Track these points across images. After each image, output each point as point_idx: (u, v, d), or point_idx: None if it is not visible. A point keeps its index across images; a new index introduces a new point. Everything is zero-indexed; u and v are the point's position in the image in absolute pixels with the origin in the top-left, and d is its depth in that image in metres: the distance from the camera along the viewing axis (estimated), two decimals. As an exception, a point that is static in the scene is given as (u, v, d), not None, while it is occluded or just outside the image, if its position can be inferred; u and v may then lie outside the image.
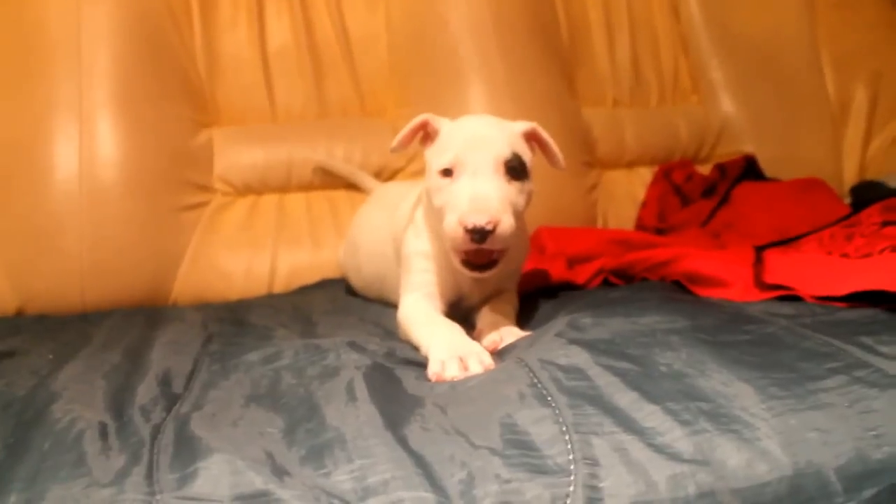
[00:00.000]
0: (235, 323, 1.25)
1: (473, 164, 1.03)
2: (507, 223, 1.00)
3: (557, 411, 0.70)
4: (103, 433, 0.73)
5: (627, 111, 2.03)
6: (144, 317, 1.32)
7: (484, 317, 1.14)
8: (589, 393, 0.74)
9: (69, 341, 1.16)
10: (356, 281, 1.48)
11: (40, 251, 1.51)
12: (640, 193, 1.95)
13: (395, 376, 0.88)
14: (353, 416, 0.72)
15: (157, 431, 0.74)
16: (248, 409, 0.79)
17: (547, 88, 1.85)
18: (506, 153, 1.05)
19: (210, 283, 1.60)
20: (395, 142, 1.16)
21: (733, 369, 0.77)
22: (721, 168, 1.90)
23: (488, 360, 0.90)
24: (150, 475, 0.64)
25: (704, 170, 1.98)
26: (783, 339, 0.87)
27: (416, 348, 1.03)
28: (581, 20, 2.04)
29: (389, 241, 1.29)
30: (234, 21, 1.79)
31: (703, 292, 1.18)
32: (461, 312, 1.19)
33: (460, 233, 0.99)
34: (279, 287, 1.62)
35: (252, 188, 1.72)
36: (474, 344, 0.96)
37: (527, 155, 1.11)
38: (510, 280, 1.23)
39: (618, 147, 1.98)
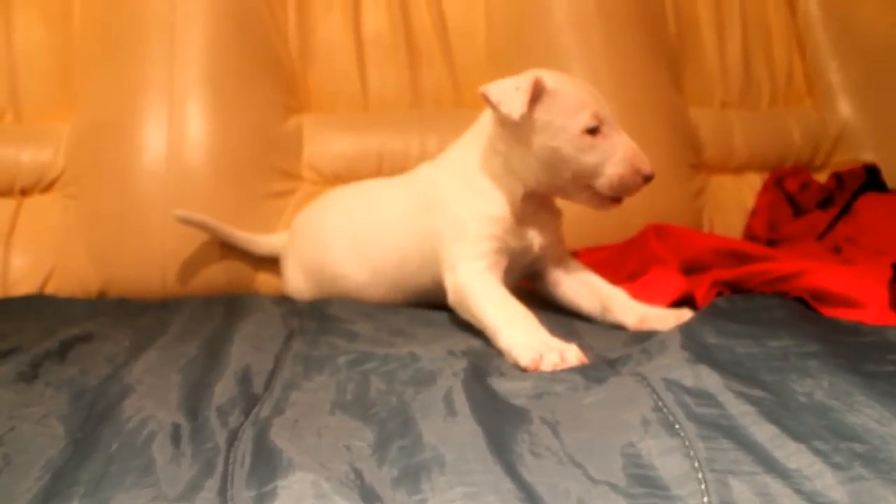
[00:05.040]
0: (318, 318, 1.17)
1: (610, 120, 1.12)
2: None
3: (687, 443, 0.60)
4: (175, 437, 0.66)
5: (736, 113, 1.91)
6: (223, 306, 1.26)
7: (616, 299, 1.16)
8: (722, 423, 0.64)
9: (146, 327, 1.12)
10: (353, 283, 1.33)
11: (124, 234, 1.49)
12: (749, 201, 1.83)
13: (492, 381, 0.80)
14: (453, 433, 0.63)
15: (233, 437, 0.66)
16: (334, 417, 0.72)
17: (652, 85, 1.76)
18: None
19: (294, 274, 1.54)
20: (518, 107, 1.10)
21: (887, 404, 0.66)
22: (839, 177, 1.76)
23: (580, 355, 0.90)
24: (223, 491, 0.56)
25: (819, 178, 1.85)
26: (938, 372, 0.76)
27: (480, 327, 1.02)
28: (690, 15, 1.93)
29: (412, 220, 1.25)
30: (329, 5, 1.74)
31: (832, 312, 1.06)
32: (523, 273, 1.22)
33: (638, 179, 1.12)
34: (364, 281, 1.56)
35: (340, 177, 1.65)
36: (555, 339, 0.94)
37: None
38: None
39: (726, 150, 1.86)
